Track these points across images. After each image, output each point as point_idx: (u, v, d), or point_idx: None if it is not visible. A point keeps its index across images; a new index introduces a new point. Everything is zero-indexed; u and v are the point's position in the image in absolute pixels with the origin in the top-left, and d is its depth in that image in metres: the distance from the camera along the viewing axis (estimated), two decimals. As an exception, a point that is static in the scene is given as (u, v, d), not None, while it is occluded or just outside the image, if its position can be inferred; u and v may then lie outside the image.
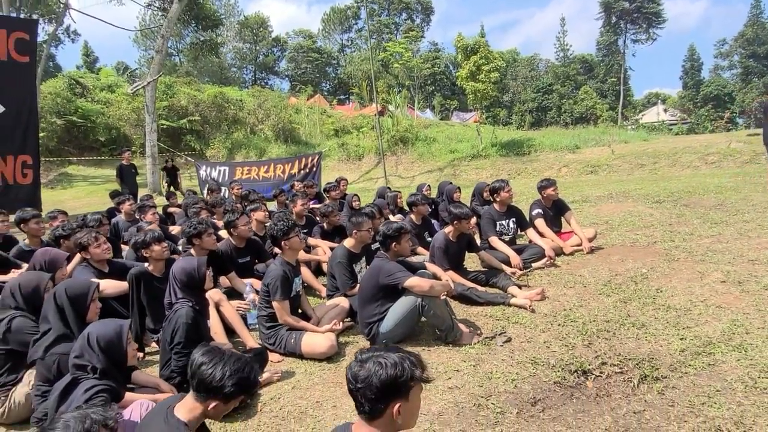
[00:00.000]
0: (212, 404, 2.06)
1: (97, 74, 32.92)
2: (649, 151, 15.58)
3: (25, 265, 4.75)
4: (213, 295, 3.95)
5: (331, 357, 3.88)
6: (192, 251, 4.52)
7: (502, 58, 21.01)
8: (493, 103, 34.48)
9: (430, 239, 5.96)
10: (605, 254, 5.77)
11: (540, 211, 6.17)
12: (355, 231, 4.72)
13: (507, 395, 3.19)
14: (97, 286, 3.18)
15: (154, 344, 4.24)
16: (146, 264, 4.31)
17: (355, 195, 7.80)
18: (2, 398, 3.26)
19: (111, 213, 7.70)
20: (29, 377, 3.27)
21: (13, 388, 3.29)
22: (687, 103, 53.72)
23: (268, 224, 5.54)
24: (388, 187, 9.09)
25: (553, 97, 54.11)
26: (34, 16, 24.94)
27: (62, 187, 20.28)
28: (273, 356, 3.90)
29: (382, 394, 1.68)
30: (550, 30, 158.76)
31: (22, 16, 22.77)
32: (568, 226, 6.19)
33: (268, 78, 62.61)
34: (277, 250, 4.85)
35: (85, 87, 26.36)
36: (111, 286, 4.24)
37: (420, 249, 6.04)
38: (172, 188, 14.51)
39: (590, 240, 5.98)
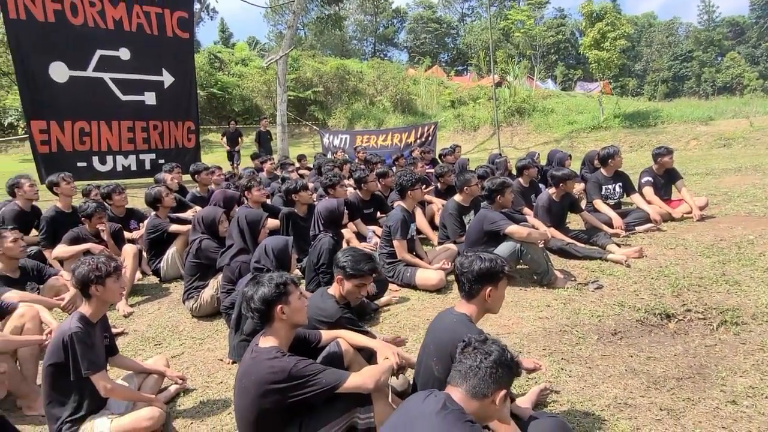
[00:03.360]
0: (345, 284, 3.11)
1: (232, 49, 35.97)
2: (797, 125, 14.18)
3: (197, 207, 6.06)
4: (345, 233, 4.84)
5: (440, 289, 4.61)
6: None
7: (636, 23, 19.86)
8: (622, 72, 32.47)
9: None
10: (715, 222, 5.83)
11: (650, 179, 6.29)
12: (464, 187, 5.35)
13: (590, 326, 3.70)
14: (266, 216, 4.19)
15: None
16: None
17: (468, 159, 8.40)
18: (195, 297, 4.41)
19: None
20: (214, 283, 4.37)
21: (203, 291, 4.42)
22: None
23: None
24: (499, 153, 9.54)
25: (693, 65, 49.35)
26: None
27: (204, 152, 22.98)
28: (392, 286, 4.70)
29: (479, 279, 2.34)
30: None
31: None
32: (679, 194, 6.26)
33: (387, 50, 63.79)
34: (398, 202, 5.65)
35: (222, 61, 29.14)
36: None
37: (525, 210, 6.49)
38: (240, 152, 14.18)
39: (701, 209, 6.02)
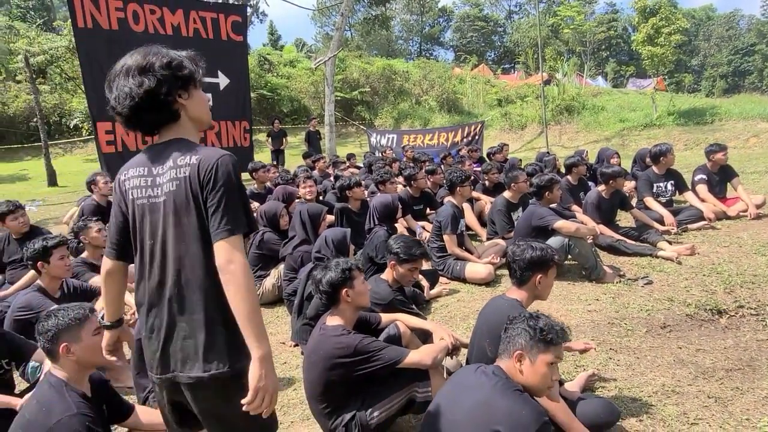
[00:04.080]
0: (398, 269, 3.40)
1: (281, 51, 36.88)
2: None
3: (256, 204, 6.42)
4: (397, 226, 5.06)
5: (488, 283, 4.76)
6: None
7: (693, 16, 19.20)
8: (677, 68, 31.34)
9: (585, 200, 6.44)
10: (773, 221, 5.72)
11: (704, 176, 6.21)
12: (513, 184, 5.47)
13: (639, 319, 3.77)
14: (326, 210, 4.49)
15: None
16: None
17: (520, 159, 8.51)
18: (258, 285, 4.72)
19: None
20: (275, 272, 4.68)
21: (264, 280, 4.73)
22: None
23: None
24: (547, 152, 9.56)
25: (755, 59, 46.96)
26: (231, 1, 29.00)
27: (254, 152, 23.77)
28: (442, 279, 4.88)
29: (530, 266, 2.50)
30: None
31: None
32: (735, 192, 6.16)
33: (432, 49, 63.69)
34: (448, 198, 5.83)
35: (271, 63, 29.93)
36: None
37: (574, 207, 6.53)
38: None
39: (758, 207, 5.91)
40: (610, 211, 5.64)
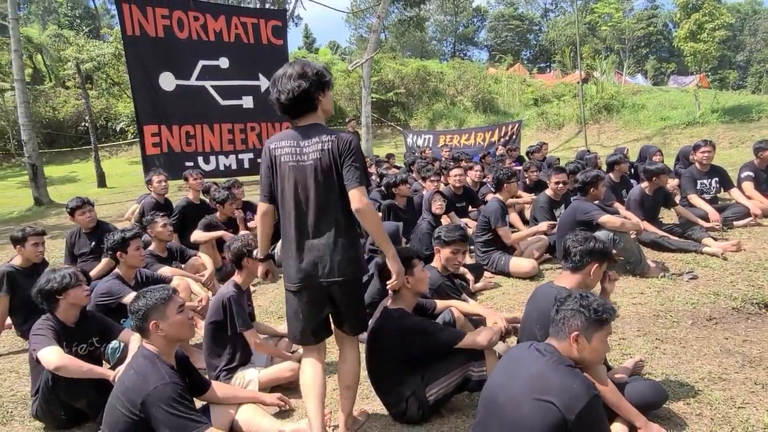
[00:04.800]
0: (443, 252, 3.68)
1: (316, 53, 37.43)
2: None
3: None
4: (442, 220, 5.24)
5: (532, 276, 4.88)
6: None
7: (738, 11, 18.70)
8: (721, 64, 30.43)
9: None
10: (823, 217, 5.65)
11: (750, 173, 6.17)
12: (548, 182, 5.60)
13: (684, 312, 3.85)
14: (378, 206, 4.72)
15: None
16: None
17: (558, 158, 8.56)
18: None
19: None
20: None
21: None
22: None
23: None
24: (588, 150, 9.55)
25: (806, 54, 45.11)
26: (267, 5, 29.64)
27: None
28: (486, 273, 5.03)
29: (591, 253, 2.65)
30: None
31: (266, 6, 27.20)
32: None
33: (467, 49, 63.40)
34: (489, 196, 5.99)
35: (306, 66, 30.41)
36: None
37: (616, 204, 6.56)
38: None
39: (807, 204, 5.85)
40: (653, 208, 5.68)
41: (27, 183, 14.09)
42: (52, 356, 2.76)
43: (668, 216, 6.29)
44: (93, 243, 5.14)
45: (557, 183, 5.56)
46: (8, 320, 4.32)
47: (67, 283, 2.99)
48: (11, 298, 4.17)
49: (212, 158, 12.78)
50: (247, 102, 13.12)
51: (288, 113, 2.50)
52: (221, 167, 12.94)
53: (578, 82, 18.93)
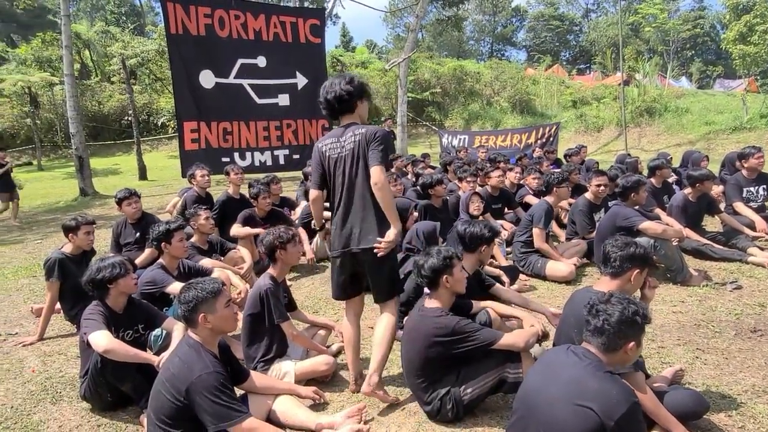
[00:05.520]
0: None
1: (353, 52, 37.60)
2: None
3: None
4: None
5: (569, 281, 4.83)
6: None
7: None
8: (771, 67, 29.23)
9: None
10: None
11: (801, 182, 5.96)
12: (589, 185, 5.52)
13: (727, 322, 3.75)
14: (414, 204, 4.75)
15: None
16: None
17: (597, 162, 8.42)
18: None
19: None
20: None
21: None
22: None
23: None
24: (628, 154, 9.35)
25: None
26: (306, 4, 29.99)
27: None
28: (522, 276, 5.00)
29: (632, 259, 2.61)
30: None
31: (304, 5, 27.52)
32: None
33: (504, 49, 62.66)
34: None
35: (344, 64, 30.61)
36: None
37: (657, 210, 6.41)
38: None
39: None
40: (696, 214, 5.53)
41: (73, 174, 14.67)
42: (102, 340, 2.90)
43: (712, 224, 6.12)
44: (138, 233, 5.33)
45: (598, 186, 5.47)
46: (57, 305, 4.51)
47: (117, 272, 3.12)
48: (61, 284, 4.36)
49: (248, 154, 13.05)
50: (283, 100, 13.34)
51: (331, 110, 3.00)
52: (256, 163, 13.20)
53: (620, 84, 18.50)
